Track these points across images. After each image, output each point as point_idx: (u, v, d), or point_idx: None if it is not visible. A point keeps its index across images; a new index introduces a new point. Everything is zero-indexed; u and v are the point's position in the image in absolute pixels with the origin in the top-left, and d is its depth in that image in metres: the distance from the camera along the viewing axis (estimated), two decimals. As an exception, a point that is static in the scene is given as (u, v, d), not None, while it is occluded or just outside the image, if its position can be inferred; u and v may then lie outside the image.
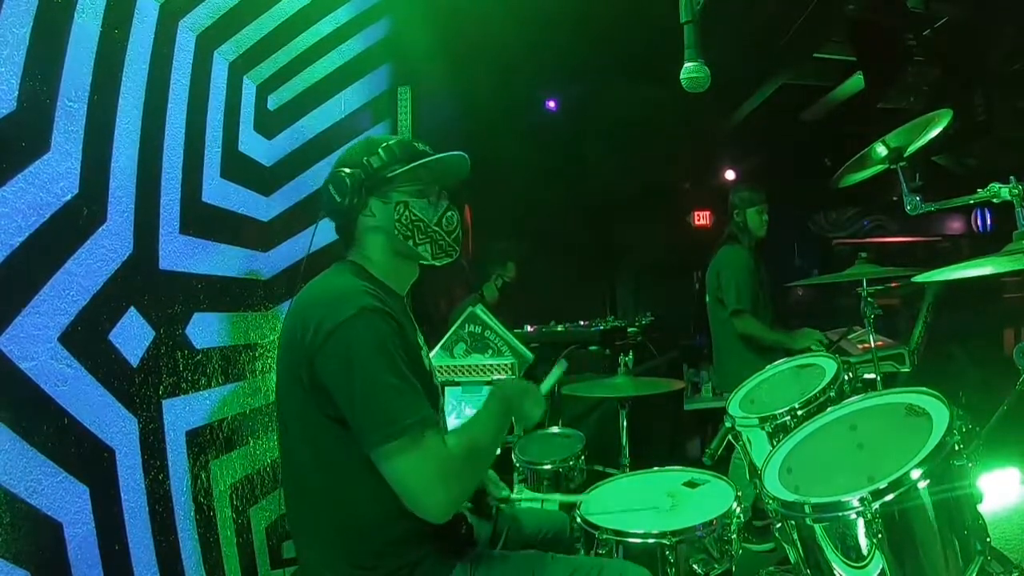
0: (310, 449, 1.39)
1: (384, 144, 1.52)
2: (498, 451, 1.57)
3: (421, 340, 1.55)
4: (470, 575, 1.40)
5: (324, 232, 2.26)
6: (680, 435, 4.51)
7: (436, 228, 1.53)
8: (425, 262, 1.58)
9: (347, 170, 1.49)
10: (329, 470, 1.36)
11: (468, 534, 1.52)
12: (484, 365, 2.84)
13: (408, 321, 1.50)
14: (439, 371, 2.74)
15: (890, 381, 2.44)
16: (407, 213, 1.51)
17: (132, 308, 1.69)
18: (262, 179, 2.27)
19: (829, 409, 1.73)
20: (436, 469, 1.27)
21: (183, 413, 1.84)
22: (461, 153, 1.53)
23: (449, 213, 1.55)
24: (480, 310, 2.90)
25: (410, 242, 1.52)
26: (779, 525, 1.46)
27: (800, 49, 4.47)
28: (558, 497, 2.01)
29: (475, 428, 1.43)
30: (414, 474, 1.26)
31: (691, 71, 1.62)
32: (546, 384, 1.74)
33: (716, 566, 1.58)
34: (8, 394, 1.35)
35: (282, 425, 1.47)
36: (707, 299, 3.56)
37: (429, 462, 1.27)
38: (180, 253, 1.88)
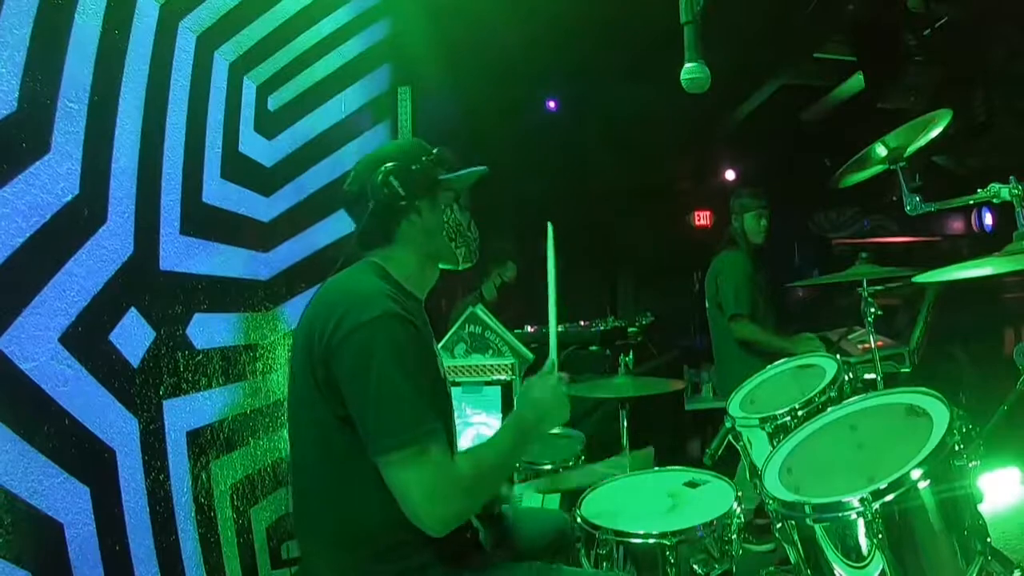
0: (320, 449, 1.39)
1: (435, 148, 1.57)
2: (510, 473, 1.58)
3: (436, 347, 1.56)
4: None
5: (325, 232, 2.27)
6: (680, 435, 4.51)
7: (468, 232, 1.61)
8: (453, 265, 1.61)
9: (413, 166, 1.49)
10: (337, 471, 1.37)
11: (474, 539, 1.52)
12: (484, 365, 2.84)
13: (425, 326, 1.50)
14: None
15: (890, 381, 2.43)
16: (453, 216, 1.57)
17: (133, 309, 1.69)
18: (262, 180, 2.27)
19: (829, 409, 1.73)
20: (438, 484, 1.26)
21: (184, 414, 1.84)
22: (486, 168, 1.61)
23: (472, 221, 1.63)
24: (480, 310, 2.90)
25: (452, 244, 1.57)
26: (779, 525, 1.46)
27: (800, 49, 4.47)
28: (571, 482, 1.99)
29: (486, 450, 1.42)
30: (415, 486, 1.26)
31: (691, 72, 1.61)
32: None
33: (716, 566, 1.58)
34: (9, 395, 1.35)
35: (292, 423, 1.47)
36: (706, 305, 3.56)
37: (432, 476, 1.26)
38: (181, 254, 1.88)
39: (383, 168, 1.46)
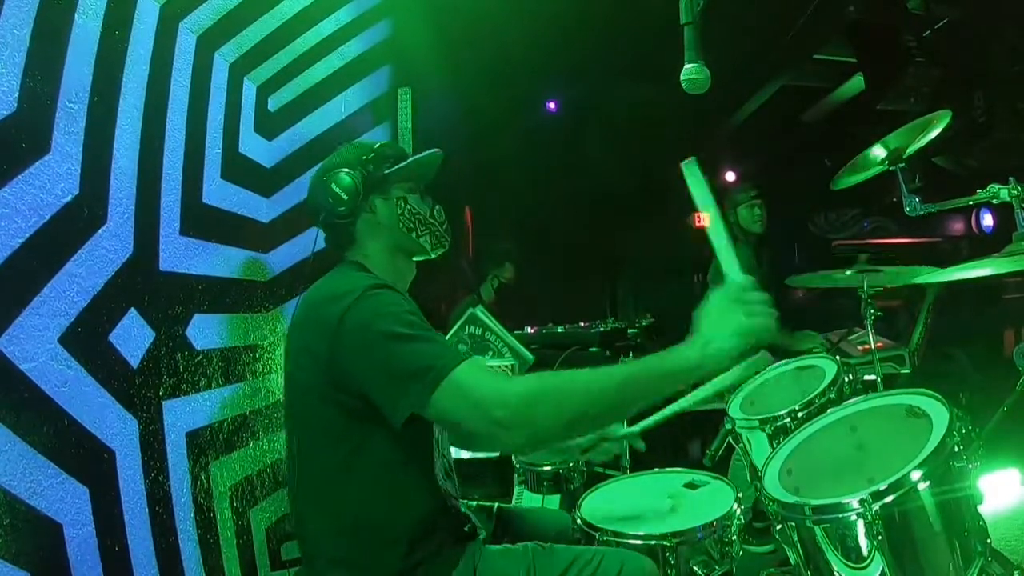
0: (319, 451, 1.39)
1: (376, 145, 1.60)
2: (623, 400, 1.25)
3: None
4: (474, 563, 1.41)
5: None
6: (680, 436, 4.50)
7: (432, 220, 1.61)
8: (424, 255, 1.63)
9: (347, 170, 1.52)
10: (338, 471, 1.37)
11: (471, 532, 1.52)
12: (484, 366, 2.83)
13: None
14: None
15: (890, 382, 2.43)
16: (408, 207, 1.58)
17: (132, 309, 1.69)
18: (262, 180, 2.27)
19: (829, 410, 1.73)
20: (481, 397, 1.21)
21: (183, 414, 1.84)
22: (438, 150, 1.62)
23: (437, 206, 1.64)
24: (481, 312, 2.90)
25: (413, 234, 1.58)
26: (779, 527, 1.45)
27: (801, 51, 4.47)
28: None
29: (588, 370, 1.24)
30: (462, 410, 1.22)
31: (691, 72, 1.61)
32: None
33: (716, 568, 1.57)
34: (8, 395, 1.35)
35: (290, 428, 1.48)
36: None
37: (471, 393, 1.21)
38: (180, 254, 1.88)
39: (324, 180, 1.53)
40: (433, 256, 1.64)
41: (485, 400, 1.21)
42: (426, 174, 1.64)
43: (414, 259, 1.64)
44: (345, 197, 1.51)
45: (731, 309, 1.26)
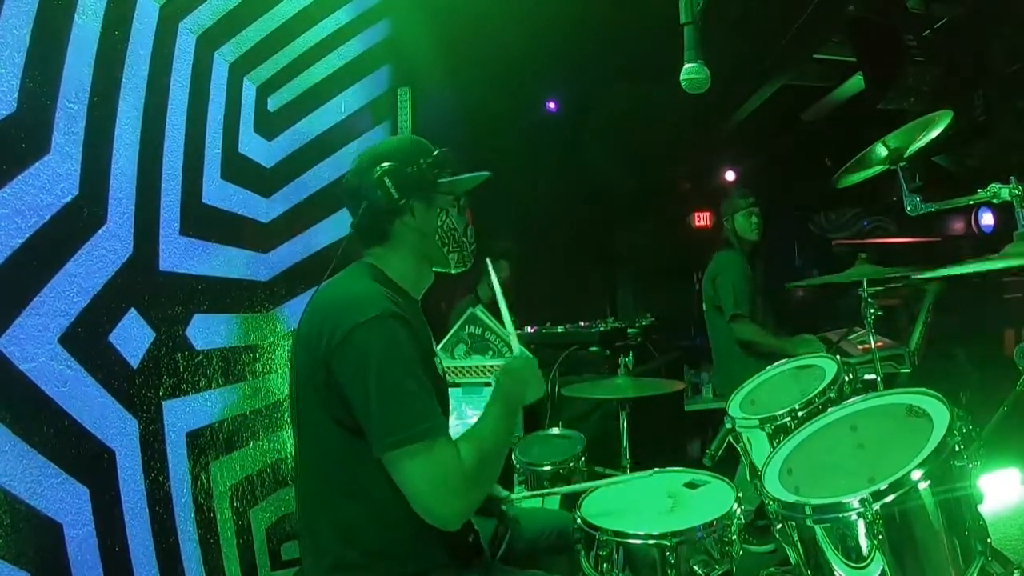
0: (319, 453, 1.39)
1: (436, 150, 1.54)
2: (506, 454, 1.51)
3: (435, 347, 1.56)
4: None
5: (325, 233, 2.26)
6: (681, 436, 4.51)
7: (463, 238, 1.59)
8: (446, 269, 1.61)
9: (408, 168, 1.47)
10: (337, 475, 1.37)
11: (475, 541, 1.52)
12: (484, 366, 2.84)
13: (422, 325, 1.50)
14: (439, 372, 2.74)
15: (890, 382, 2.43)
16: (447, 220, 1.55)
17: (132, 309, 1.69)
18: (262, 180, 2.27)
19: (829, 410, 1.73)
20: (449, 477, 1.27)
21: (183, 414, 1.84)
22: (489, 173, 1.60)
23: (471, 226, 1.61)
24: (480, 311, 2.90)
25: (445, 248, 1.56)
26: (779, 526, 1.45)
27: (800, 50, 4.47)
28: (562, 490, 2.00)
29: (484, 434, 1.40)
30: (426, 482, 1.26)
31: (691, 72, 1.61)
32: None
33: (717, 567, 1.57)
34: (8, 395, 1.35)
35: (296, 426, 1.48)
36: (704, 307, 3.56)
37: (442, 469, 1.26)
38: (180, 254, 1.88)
39: (379, 168, 1.46)
40: (453, 272, 1.62)
41: (448, 485, 1.27)
42: (469, 190, 1.61)
43: (434, 269, 1.62)
44: (395, 195, 1.45)
45: (536, 373, 1.58)
